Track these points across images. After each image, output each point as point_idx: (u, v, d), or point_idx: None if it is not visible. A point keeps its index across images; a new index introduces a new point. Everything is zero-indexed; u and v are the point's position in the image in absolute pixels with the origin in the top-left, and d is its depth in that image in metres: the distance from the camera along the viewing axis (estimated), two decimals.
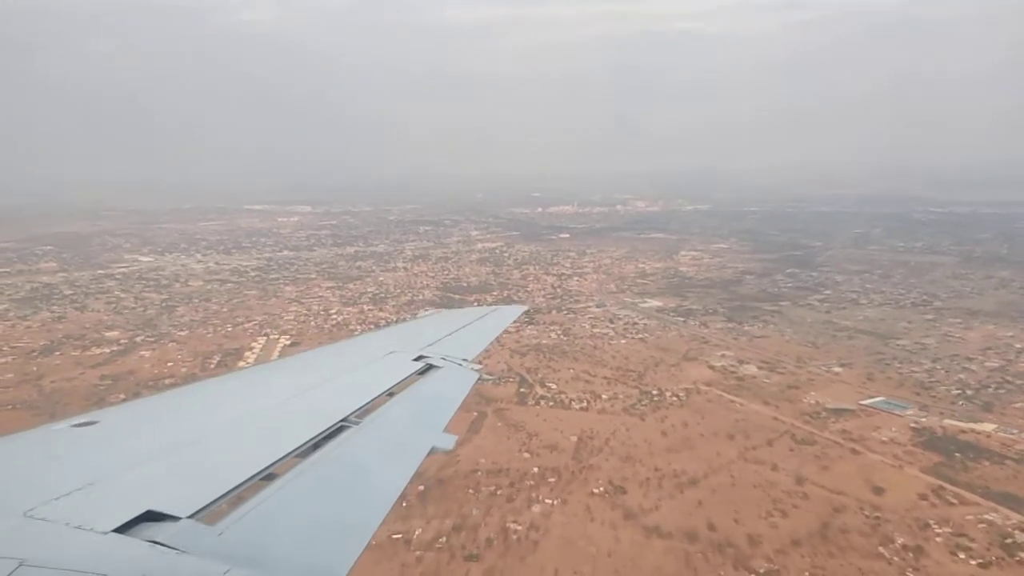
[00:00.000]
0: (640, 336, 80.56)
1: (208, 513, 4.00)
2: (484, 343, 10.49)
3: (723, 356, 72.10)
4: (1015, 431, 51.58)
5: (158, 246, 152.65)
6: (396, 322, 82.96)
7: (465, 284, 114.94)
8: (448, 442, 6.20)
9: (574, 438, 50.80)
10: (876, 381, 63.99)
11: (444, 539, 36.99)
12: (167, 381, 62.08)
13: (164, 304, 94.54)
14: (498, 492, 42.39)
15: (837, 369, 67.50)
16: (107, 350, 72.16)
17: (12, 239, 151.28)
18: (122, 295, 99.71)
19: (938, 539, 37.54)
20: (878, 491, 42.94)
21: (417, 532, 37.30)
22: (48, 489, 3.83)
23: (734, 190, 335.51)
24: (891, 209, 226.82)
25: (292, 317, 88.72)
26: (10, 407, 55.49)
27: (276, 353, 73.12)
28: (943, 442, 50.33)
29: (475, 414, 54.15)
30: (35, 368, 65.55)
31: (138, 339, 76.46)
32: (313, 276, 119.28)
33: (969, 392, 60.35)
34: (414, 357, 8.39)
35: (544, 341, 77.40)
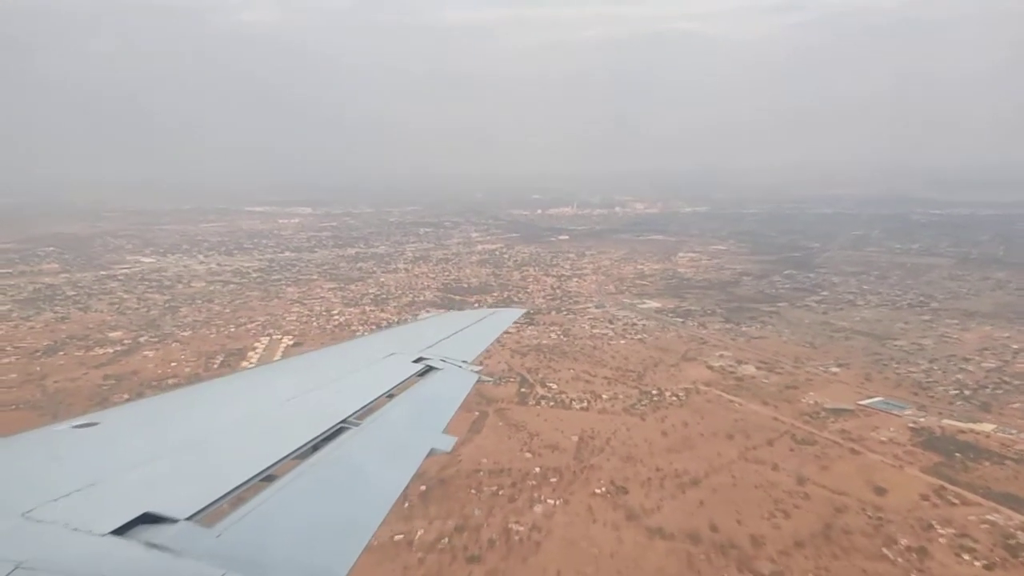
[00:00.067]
0: (639, 337, 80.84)
1: (207, 515, 4.00)
2: (483, 345, 10.59)
3: (722, 356, 72.40)
4: (1014, 431, 51.78)
5: (160, 247, 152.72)
6: (397, 323, 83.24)
7: (466, 285, 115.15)
8: (447, 443, 6.25)
9: (575, 438, 51.03)
10: (874, 381, 64.27)
11: (446, 540, 36.94)
12: (171, 381, 62.28)
13: (167, 305, 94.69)
14: (500, 492, 42.48)
15: (835, 369, 67.80)
16: (110, 350, 72.34)
17: (14, 240, 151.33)
18: (125, 296, 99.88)
19: (942, 540, 37.42)
20: (880, 491, 42.98)
21: (419, 533, 37.26)
22: (47, 490, 3.83)
23: (733, 191, 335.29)
24: (890, 210, 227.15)
25: (294, 318, 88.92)
26: (14, 407, 55.65)
27: (279, 353, 73.38)
28: (942, 442, 50.54)
29: (476, 414, 54.36)
30: (39, 368, 65.71)
31: (141, 339, 76.65)
32: (315, 277, 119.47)
33: (967, 392, 60.63)
34: (414, 359, 8.46)
35: (544, 341, 77.66)
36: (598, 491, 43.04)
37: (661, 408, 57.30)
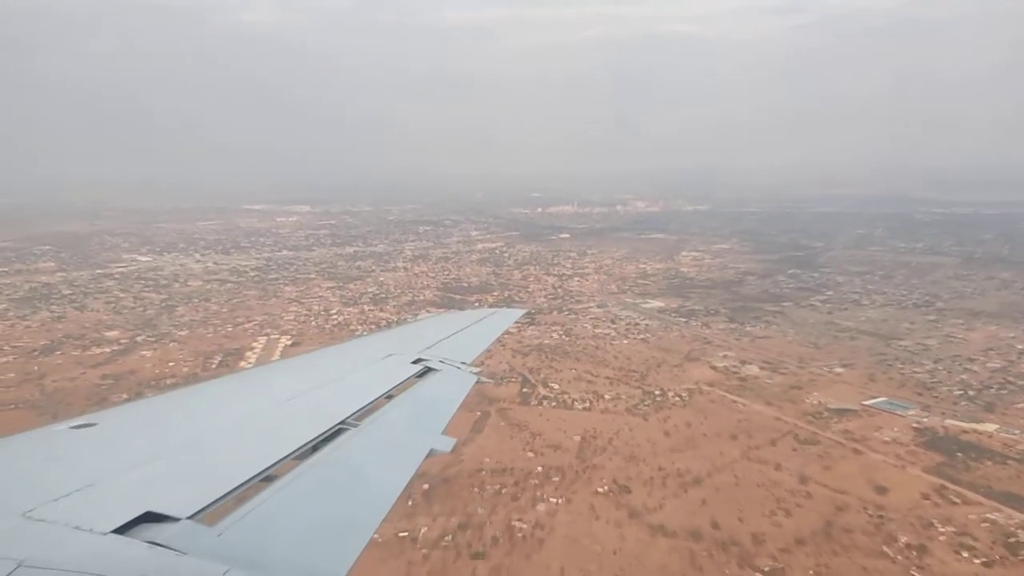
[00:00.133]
0: (642, 336, 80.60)
1: (207, 514, 4.02)
2: (483, 346, 10.56)
3: (725, 357, 72.16)
4: (1017, 431, 51.67)
5: (157, 246, 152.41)
6: (397, 322, 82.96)
7: (466, 284, 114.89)
8: (446, 444, 6.25)
9: (577, 438, 50.82)
10: (878, 382, 64.08)
11: (450, 537, 37.07)
12: (169, 381, 61.98)
13: (164, 304, 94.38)
14: (503, 491, 42.43)
15: (839, 370, 67.60)
16: (108, 350, 72.05)
17: (11, 239, 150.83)
18: (121, 295, 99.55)
19: (941, 538, 37.62)
20: (881, 490, 43.02)
21: (423, 530, 37.38)
22: (48, 490, 3.84)
23: (734, 190, 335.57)
24: (892, 209, 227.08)
25: (292, 317, 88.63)
26: (12, 407, 55.39)
27: (277, 353, 73.08)
28: (945, 442, 50.41)
29: (478, 414, 54.17)
30: (36, 368, 65.43)
31: (138, 339, 76.34)
32: (313, 276, 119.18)
33: (971, 393, 60.46)
34: (413, 360, 8.44)
35: (546, 341, 77.40)
36: (600, 490, 42.97)
37: (664, 408, 57.07)
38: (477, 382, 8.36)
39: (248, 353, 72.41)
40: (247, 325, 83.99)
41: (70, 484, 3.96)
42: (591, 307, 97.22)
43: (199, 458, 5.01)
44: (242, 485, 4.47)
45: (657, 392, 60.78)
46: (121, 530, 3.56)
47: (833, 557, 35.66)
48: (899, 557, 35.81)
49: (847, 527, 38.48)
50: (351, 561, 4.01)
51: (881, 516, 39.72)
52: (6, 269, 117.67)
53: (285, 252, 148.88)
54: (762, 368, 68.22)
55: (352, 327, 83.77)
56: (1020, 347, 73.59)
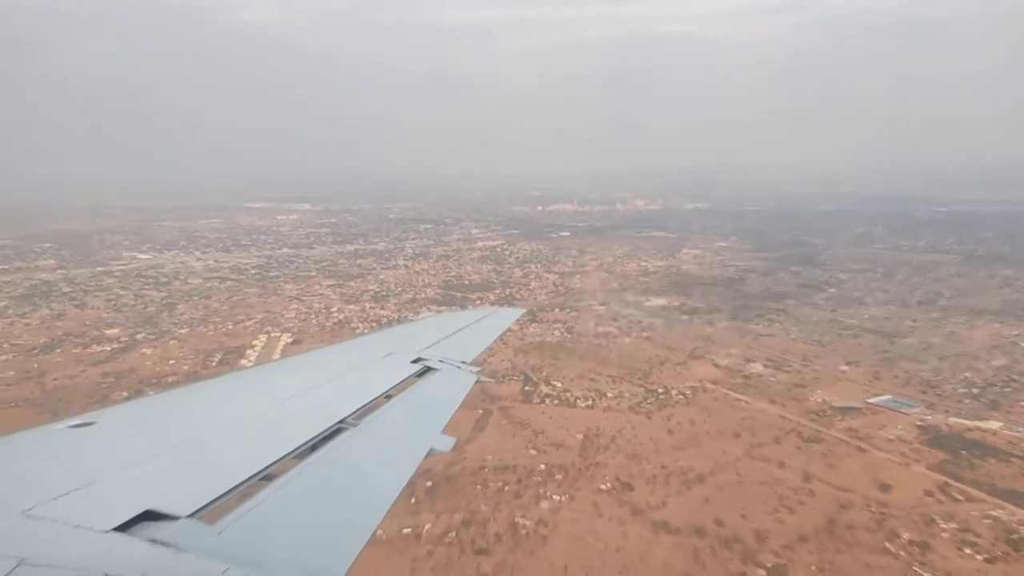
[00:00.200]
0: (645, 334, 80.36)
1: (207, 513, 4.04)
2: (482, 345, 10.57)
3: (729, 354, 71.92)
4: (1021, 429, 51.54)
5: (157, 244, 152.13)
6: (398, 320, 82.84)
7: (467, 282, 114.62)
8: (446, 444, 6.26)
9: (580, 436, 50.64)
10: (882, 379, 63.90)
11: (454, 534, 37.05)
12: (169, 379, 61.82)
13: (164, 302, 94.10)
14: (506, 488, 42.33)
15: (843, 368, 67.38)
16: (108, 348, 71.82)
17: (11, 237, 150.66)
18: (122, 292, 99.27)
19: (944, 535, 37.62)
20: (884, 488, 42.95)
21: (427, 527, 37.36)
22: (47, 489, 3.86)
23: (734, 189, 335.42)
24: (892, 208, 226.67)
25: (293, 315, 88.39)
26: (13, 405, 55.21)
27: (278, 351, 72.91)
28: (949, 440, 50.27)
29: (480, 412, 54.02)
30: (36, 366, 65.21)
31: (139, 337, 76.11)
32: (313, 274, 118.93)
33: (975, 390, 60.27)
34: (412, 359, 8.45)
35: (548, 339, 77.21)
36: (603, 487, 42.85)
37: (667, 406, 56.88)
38: (477, 381, 8.37)
39: (249, 351, 72.20)
40: (248, 323, 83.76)
41: (70, 483, 3.99)
42: (593, 305, 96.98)
43: (199, 457, 5.03)
44: (242, 484, 4.49)
45: (660, 390, 60.60)
46: (121, 528, 3.58)
47: (836, 554, 35.65)
48: (902, 554, 35.82)
49: (850, 524, 38.46)
50: (350, 560, 4.04)
51: (884, 513, 39.69)
52: (6, 267, 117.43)
53: (286, 250, 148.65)
54: (766, 366, 68.02)
55: (353, 325, 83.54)
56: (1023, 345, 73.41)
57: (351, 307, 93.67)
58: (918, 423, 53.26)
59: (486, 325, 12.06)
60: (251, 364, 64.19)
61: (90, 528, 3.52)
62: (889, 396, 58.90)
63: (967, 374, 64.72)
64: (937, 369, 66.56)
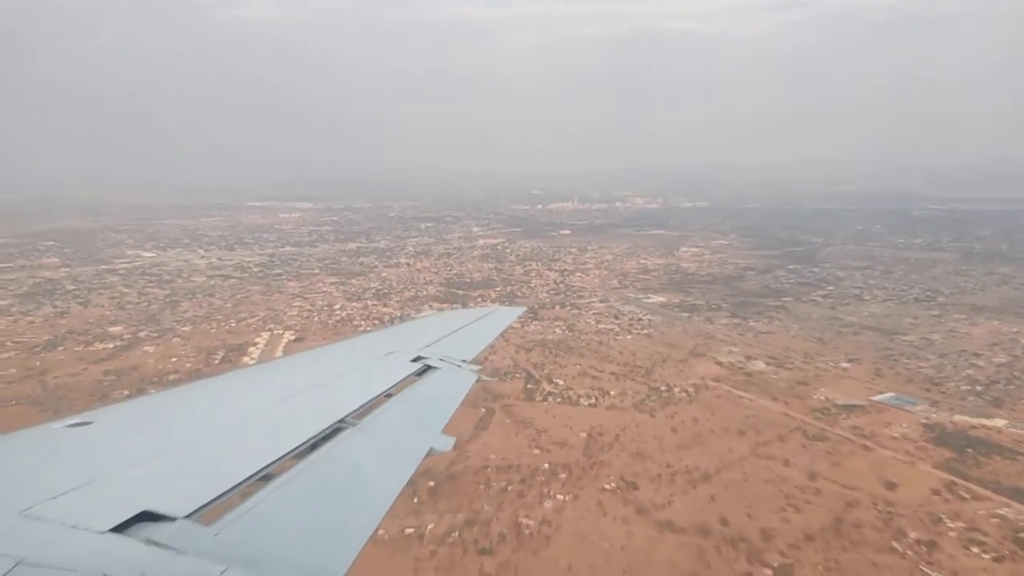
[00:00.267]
0: (646, 332, 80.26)
1: (205, 513, 4.03)
2: (483, 344, 10.54)
3: (730, 352, 71.86)
4: None
5: (160, 242, 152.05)
6: (400, 317, 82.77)
7: (468, 280, 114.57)
8: (446, 444, 6.22)
9: (583, 434, 50.49)
10: (885, 377, 63.80)
11: (457, 533, 36.85)
12: (172, 377, 61.70)
13: (167, 299, 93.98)
14: (509, 488, 42.15)
15: (845, 365, 67.26)
16: (111, 345, 71.68)
17: (13, 235, 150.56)
18: (125, 290, 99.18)
19: (951, 534, 37.45)
20: (890, 486, 42.81)
21: (430, 527, 37.15)
22: (45, 488, 3.85)
23: (733, 187, 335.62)
24: (891, 206, 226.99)
25: (296, 313, 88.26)
26: (14, 402, 55.06)
27: (280, 349, 72.83)
28: (954, 438, 50.15)
29: (483, 410, 53.84)
30: (38, 363, 65.07)
31: (141, 334, 75.97)
32: (316, 272, 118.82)
33: (978, 388, 60.17)
34: (412, 358, 8.41)
35: (549, 337, 77.09)
36: (608, 487, 42.68)
37: (670, 404, 56.77)
38: (477, 380, 8.34)
39: (251, 348, 72.07)
40: (250, 320, 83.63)
41: (67, 482, 3.97)
42: (593, 302, 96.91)
43: (196, 456, 5.00)
44: (240, 484, 4.47)
45: (663, 388, 60.50)
46: (118, 529, 3.57)
47: (842, 553, 35.49)
48: (909, 553, 35.67)
49: (856, 523, 38.29)
50: (350, 560, 4.01)
51: (890, 512, 39.50)
52: (10, 265, 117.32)
53: (288, 248, 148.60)
54: (768, 363, 67.92)
55: (355, 322, 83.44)
56: None
57: (353, 305, 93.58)
58: (923, 421, 53.15)
59: (487, 323, 12.05)
60: (253, 362, 64.13)
61: (87, 529, 3.50)
62: (892, 393, 58.80)
63: (969, 371, 64.67)
64: (939, 366, 66.49)
